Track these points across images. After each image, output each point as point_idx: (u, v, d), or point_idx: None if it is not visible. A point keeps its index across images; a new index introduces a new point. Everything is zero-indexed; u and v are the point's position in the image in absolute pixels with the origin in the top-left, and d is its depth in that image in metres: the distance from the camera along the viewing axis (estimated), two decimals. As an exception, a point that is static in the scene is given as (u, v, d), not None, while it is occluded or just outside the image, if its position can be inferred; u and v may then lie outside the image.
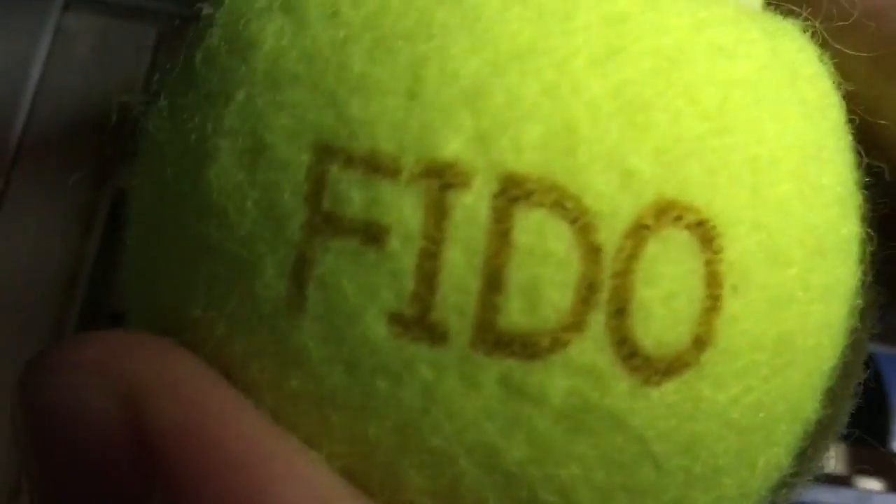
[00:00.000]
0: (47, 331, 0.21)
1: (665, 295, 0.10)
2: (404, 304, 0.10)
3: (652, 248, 0.10)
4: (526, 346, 0.10)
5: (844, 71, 0.12)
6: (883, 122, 0.12)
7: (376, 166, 0.10)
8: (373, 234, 0.10)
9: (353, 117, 0.10)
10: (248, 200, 0.10)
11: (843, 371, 0.12)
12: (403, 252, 0.10)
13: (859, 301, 0.12)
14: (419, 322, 0.10)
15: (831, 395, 0.12)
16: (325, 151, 0.10)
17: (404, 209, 0.10)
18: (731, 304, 0.10)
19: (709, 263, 0.10)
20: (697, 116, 0.10)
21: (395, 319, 0.10)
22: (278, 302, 0.10)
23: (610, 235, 0.10)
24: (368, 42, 0.10)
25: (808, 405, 0.12)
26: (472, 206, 0.10)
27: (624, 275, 0.10)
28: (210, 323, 0.11)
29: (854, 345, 0.12)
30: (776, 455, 0.12)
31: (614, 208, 0.10)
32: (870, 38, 0.12)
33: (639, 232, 0.10)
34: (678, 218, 0.10)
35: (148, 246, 0.12)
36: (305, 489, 0.10)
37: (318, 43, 0.11)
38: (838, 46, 0.12)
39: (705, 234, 0.10)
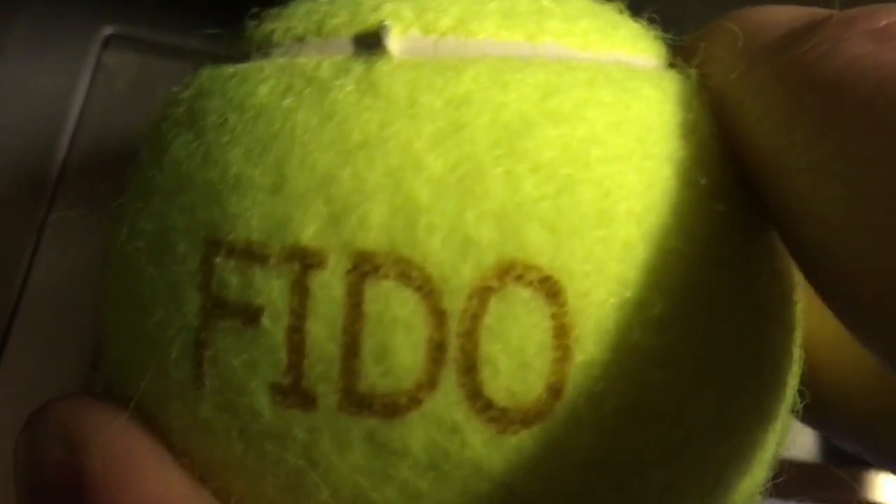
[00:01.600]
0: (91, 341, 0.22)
1: (512, 349, 0.11)
2: (280, 375, 0.11)
3: (495, 307, 0.11)
4: (385, 406, 0.11)
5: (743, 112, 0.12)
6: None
7: (250, 254, 0.11)
8: (250, 314, 0.11)
9: (232, 212, 0.11)
10: (159, 292, 0.12)
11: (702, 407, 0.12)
12: (274, 329, 0.11)
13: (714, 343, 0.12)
14: (293, 390, 0.11)
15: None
16: (212, 244, 0.11)
17: (273, 291, 0.11)
18: (580, 354, 0.11)
19: (555, 316, 0.11)
20: (535, 181, 0.11)
21: (275, 389, 0.11)
22: (185, 379, 0.11)
23: (453, 299, 0.11)
24: (245, 145, 0.12)
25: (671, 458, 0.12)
26: (328, 283, 0.11)
27: (470, 334, 0.11)
28: (143, 395, 0.12)
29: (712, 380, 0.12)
30: (646, 491, 0.12)
31: (455, 274, 0.11)
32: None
33: (482, 293, 0.11)
34: (520, 277, 0.11)
35: (109, 333, 0.13)
36: None
37: (209, 148, 0.12)
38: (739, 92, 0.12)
39: (549, 289, 0.11)
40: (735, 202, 0.12)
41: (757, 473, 0.13)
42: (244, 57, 0.13)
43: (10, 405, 0.21)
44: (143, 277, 0.12)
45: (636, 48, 0.13)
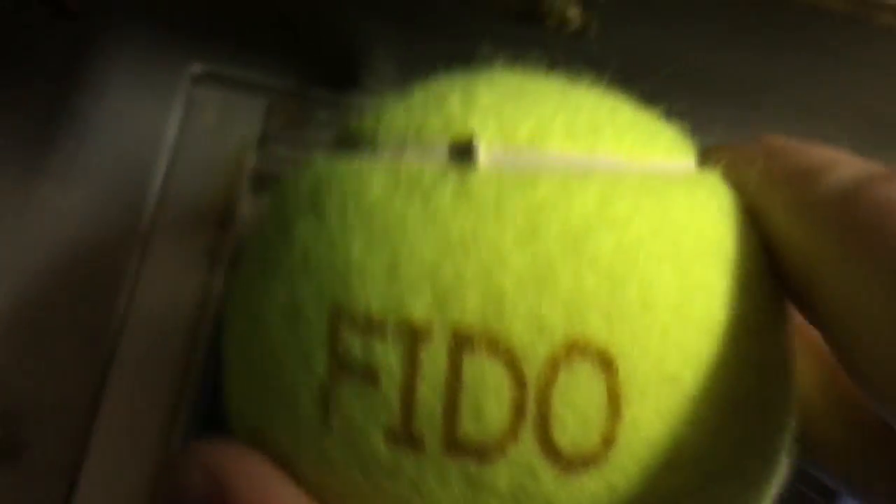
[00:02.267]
0: (181, 353, 0.24)
1: (576, 409, 0.13)
2: (395, 423, 0.13)
3: (563, 375, 0.13)
4: (478, 451, 0.13)
5: (774, 223, 0.15)
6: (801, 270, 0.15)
7: (370, 327, 0.13)
8: (370, 375, 0.13)
9: (354, 291, 0.14)
10: (290, 349, 0.14)
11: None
12: (389, 387, 0.13)
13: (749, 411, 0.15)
14: (405, 436, 0.13)
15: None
16: (337, 316, 0.14)
17: (389, 358, 0.13)
18: (629, 413, 0.13)
19: (609, 383, 0.13)
20: (595, 276, 0.13)
21: (389, 434, 0.13)
22: (313, 422, 0.14)
23: (531, 369, 0.13)
24: (363, 236, 0.14)
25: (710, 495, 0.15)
26: (434, 353, 0.13)
27: (544, 396, 0.13)
28: (276, 436, 0.14)
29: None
30: None
31: (533, 348, 0.13)
32: (798, 197, 0.15)
33: (553, 364, 0.13)
34: (582, 352, 0.13)
35: (237, 379, 0.16)
36: None
37: (331, 235, 0.14)
38: (768, 201, 0.15)
39: (604, 361, 0.13)
40: (755, 286, 0.15)
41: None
42: (353, 145, 0.16)
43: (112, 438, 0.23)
44: (275, 338, 0.14)
45: (673, 155, 0.16)
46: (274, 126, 0.27)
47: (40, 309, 0.24)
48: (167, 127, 0.26)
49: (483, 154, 0.14)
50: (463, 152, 0.14)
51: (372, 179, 0.14)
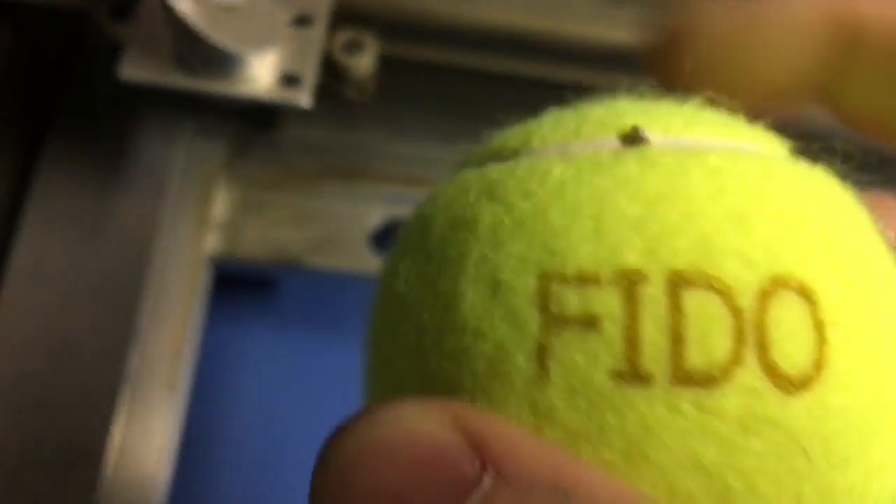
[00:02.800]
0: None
1: (789, 335, 0.14)
2: (620, 362, 0.14)
3: (774, 304, 0.14)
4: (706, 379, 0.14)
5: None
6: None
7: (584, 279, 0.14)
8: (589, 321, 0.14)
9: (562, 252, 0.14)
10: (495, 318, 0.15)
11: None
12: (613, 329, 0.14)
13: None
14: (632, 373, 0.14)
15: None
16: (545, 276, 0.14)
17: (608, 302, 0.14)
18: (834, 338, 0.14)
19: (813, 312, 0.14)
20: (780, 223, 0.15)
21: (615, 374, 0.14)
22: (529, 378, 0.14)
23: (746, 300, 0.14)
24: (559, 207, 0.15)
25: None
26: (653, 294, 0.14)
27: (760, 324, 0.14)
28: (484, 403, 0.15)
29: None
30: (888, 446, 0.15)
31: (745, 282, 0.14)
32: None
33: (764, 296, 0.14)
34: (785, 284, 0.14)
35: (410, 368, 0.16)
36: (611, 488, 0.13)
37: (522, 214, 0.15)
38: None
39: (806, 293, 0.14)
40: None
41: None
42: (502, 158, 0.17)
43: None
44: (475, 309, 0.15)
45: (774, 143, 0.18)
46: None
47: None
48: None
49: (652, 137, 0.16)
50: (633, 139, 0.16)
51: (550, 167, 0.15)
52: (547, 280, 0.14)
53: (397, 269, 0.16)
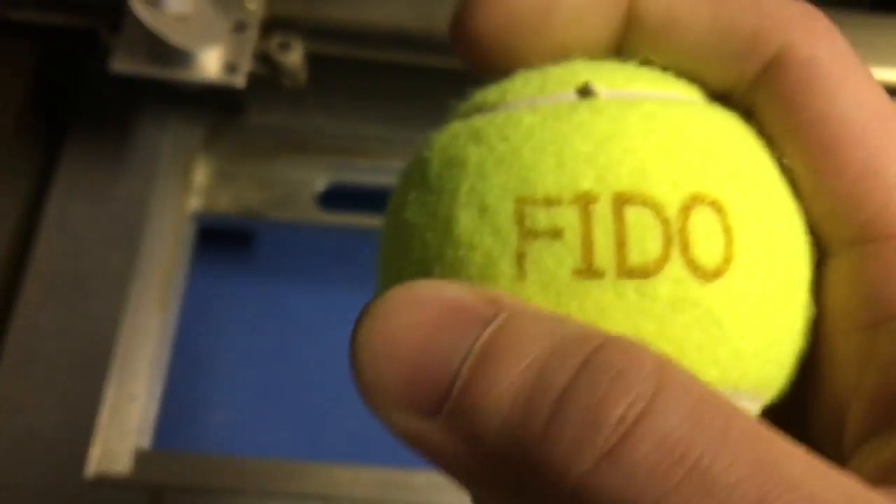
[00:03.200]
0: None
1: (705, 237, 0.18)
2: (579, 262, 0.17)
3: (693, 215, 0.18)
4: (643, 272, 0.17)
5: None
6: None
7: (550, 201, 0.17)
8: (555, 233, 0.17)
9: (533, 181, 0.18)
10: (484, 234, 0.18)
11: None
12: (572, 238, 0.17)
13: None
14: (588, 270, 0.17)
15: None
16: (521, 200, 0.18)
17: (569, 217, 0.17)
18: (738, 239, 0.18)
19: (722, 220, 0.18)
20: (700, 154, 0.18)
21: (576, 271, 0.17)
22: (511, 277, 0.18)
23: (671, 212, 0.17)
24: (530, 146, 0.18)
25: (800, 311, 0.19)
26: (602, 210, 0.17)
27: (682, 230, 0.17)
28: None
29: None
30: (782, 320, 0.19)
31: (671, 200, 0.17)
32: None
33: (685, 209, 0.18)
34: (702, 200, 0.18)
35: (411, 278, 0.18)
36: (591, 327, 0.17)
37: (501, 153, 0.18)
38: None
39: (717, 207, 0.18)
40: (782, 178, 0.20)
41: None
42: (485, 111, 0.20)
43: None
44: (467, 227, 0.18)
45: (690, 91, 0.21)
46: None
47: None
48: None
49: (600, 90, 0.19)
50: (584, 92, 0.19)
51: (521, 116, 0.19)
52: (522, 203, 0.18)
53: (404, 201, 0.19)
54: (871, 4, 0.67)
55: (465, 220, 0.18)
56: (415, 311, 0.16)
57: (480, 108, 0.20)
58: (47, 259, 0.52)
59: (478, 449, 0.15)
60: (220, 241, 0.59)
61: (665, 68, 0.21)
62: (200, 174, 0.57)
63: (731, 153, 0.19)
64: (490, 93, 0.20)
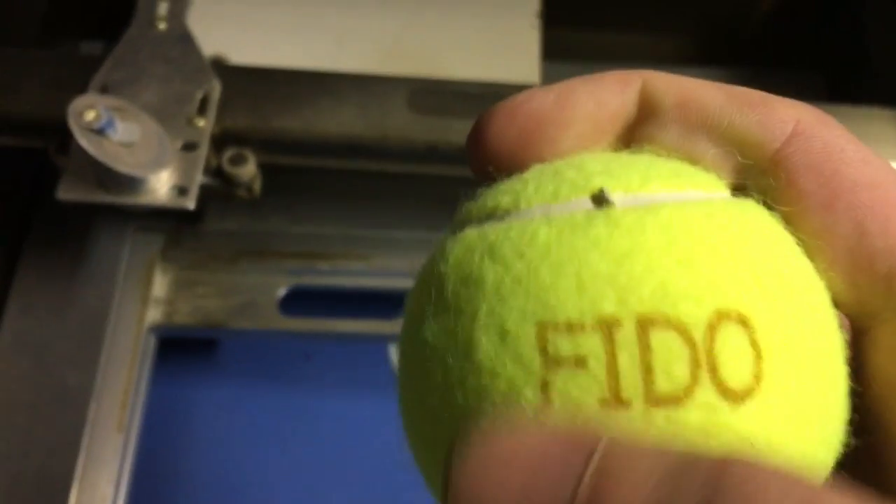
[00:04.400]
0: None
1: (732, 357, 0.17)
2: (605, 392, 0.17)
3: (719, 334, 0.17)
4: (672, 399, 0.17)
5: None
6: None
7: (571, 327, 0.17)
8: (579, 361, 0.17)
9: (552, 306, 0.17)
10: (506, 361, 0.17)
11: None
12: (597, 366, 0.17)
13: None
14: (615, 399, 0.17)
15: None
16: (542, 325, 0.17)
17: (592, 345, 0.17)
18: (767, 354, 0.17)
19: (750, 335, 0.17)
20: (724, 263, 0.18)
21: (602, 401, 0.17)
22: (537, 408, 0.17)
23: (698, 333, 0.17)
24: (548, 265, 0.18)
25: (839, 402, 0.19)
26: (626, 335, 0.17)
27: (710, 351, 0.17)
28: (504, 424, 0.17)
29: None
30: (820, 432, 0.18)
31: (697, 319, 0.17)
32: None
33: (711, 328, 0.17)
34: (728, 316, 0.17)
35: (438, 403, 0.18)
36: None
37: (518, 273, 0.18)
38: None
39: (745, 322, 0.17)
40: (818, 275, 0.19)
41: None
42: (496, 218, 0.19)
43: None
44: (489, 353, 0.17)
45: (721, 187, 0.20)
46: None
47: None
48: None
49: (615, 198, 0.18)
50: (599, 201, 0.18)
51: (536, 230, 0.18)
52: (544, 328, 0.17)
53: (421, 316, 0.19)
54: (828, 96, 0.68)
55: (486, 346, 0.18)
56: (512, 445, 0.16)
57: (493, 214, 0.20)
58: (3, 381, 0.51)
59: None
60: (183, 347, 0.58)
61: (678, 158, 0.20)
62: (160, 284, 0.56)
63: (755, 256, 0.18)
64: (502, 196, 0.20)
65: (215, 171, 0.49)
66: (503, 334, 0.17)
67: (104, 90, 0.48)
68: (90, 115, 0.42)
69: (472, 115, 0.21)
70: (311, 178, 0.55)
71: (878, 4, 0.65)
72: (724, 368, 0.17)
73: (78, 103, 0.43)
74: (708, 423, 0.17)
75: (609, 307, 0.17)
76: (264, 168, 0.51)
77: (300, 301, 0.57)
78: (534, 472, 0.16)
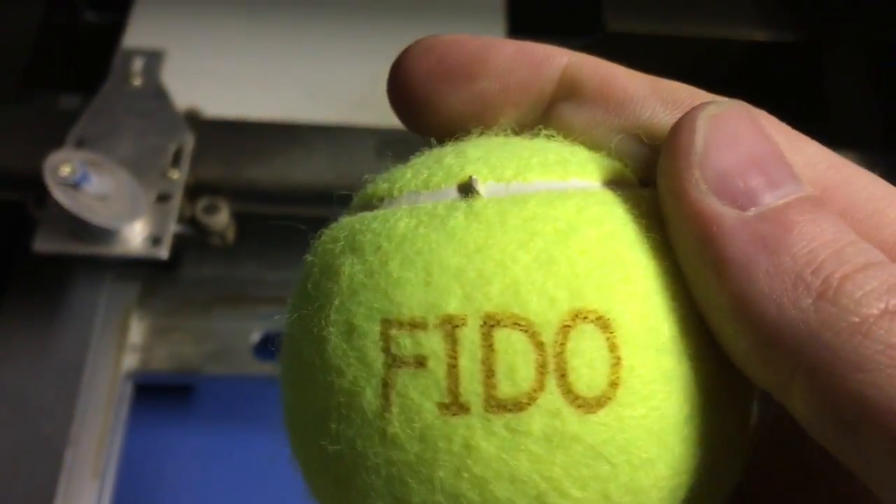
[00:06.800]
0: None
1: (587, 361, 0.16)
2: (444, 396, 0.16)
3: (573, 336, 0.16)
4: (514, 404, 0.16)
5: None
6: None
7: (415, 325, 0.16)
8: (420, 361, 0.16)
9: (398, 302, 0.17)
10: (350, 359, 0.17)
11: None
12: (437, 368, 0.16)
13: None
14: (454, 404, 0.16)
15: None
16: (386, 322, 0.17)
17: (433, 344, 0.16)
18: (627, 360, 0.16)
19: (609, 338, 0.16)
20: (585, 261, 0.17)
21: (441, 405, 0.16)
22: (376, 410, 0.16)
23: (548, 335, 0.16)
24: (398, 259, 0.17)
25: (697, 417, 0.17)
26: (469, 335, 0.16)
27: (560, 354, 0.16)
28: (340, 431, 0.17)
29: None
30: (687, 445, 0.17)
31: (547, 319, 0.16)
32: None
33: (564, 329, 0.16)
34: (585, 318, 0.16)
35: (297, 396, 0.18)
36: None
37: (371, 266, 0.17)
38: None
39: (603, 323, 0.16)
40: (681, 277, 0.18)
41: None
42: (371, 206, 0.19)
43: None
44: (335, 353, 0.17)
45: (615, 175, 0.19)
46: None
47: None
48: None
49: (482, 188, 0.17)
50: (466, 190, 0.18)
51: (397, 220, 0.17)
52: (388, 325, 0.16)
53: (289, 310, 0.19)
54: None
55: (335, 341, 0.17)
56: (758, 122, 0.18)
57: (368, 203, 0.19)
58: (-22, 431, 0.52)
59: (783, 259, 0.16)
60: (159, 393, 0.59)
61: (582, 143, 0.19)
62: (136, 331, 0.57)
63: (622, 254, 0.17)
64: (381, 183, 0.19)
65: (190, 221, 0.51)
66: (350, 330, 0.17)
67: (80, 144, 0.49)
68: (65, 170, 0.44)
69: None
70: (283, 226, 0.57)
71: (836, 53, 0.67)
72: (575, 374, 0.16)
73: (53, 158, 0.44)
74: (552, 431, 0.16)
75: (454, 304, 0.16)
76: (237, 216, 0.52)
77: (274, 346, 0.58)
78: (772, 145, 0.17)
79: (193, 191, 0.51)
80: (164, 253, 0.47)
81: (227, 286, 0.58)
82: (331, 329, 0.17)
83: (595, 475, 0.16)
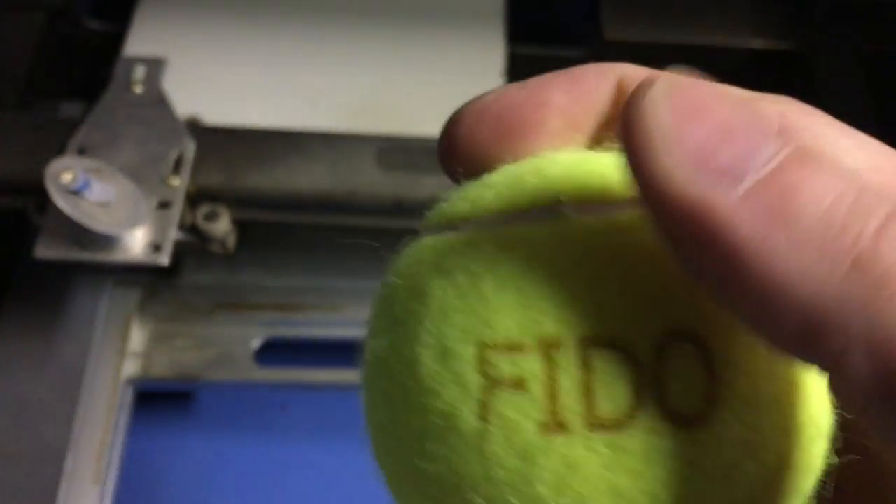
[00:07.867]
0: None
1: (683, 379, 0.16)
2: (544, 415, 0.16)
3: (669, 355, 0.16)
4: (614, 424, 0.16)
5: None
6: None
7: (512, 347, 0.16)
8: (518, 382, 0.16)
9: (493, 325, 0.17)
10: (445, 381, 0.17)
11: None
12: (536, 389, 0.16)
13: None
14: (554, 423, 0.16)
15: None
16: (482, 345, 0.17)
17: (531, 366, 0.16)
18: (724, 376, 0.16)
19: (704, 357, 0.16)
20: (677, 279, 0.16)
21: (541, 425, 0.16)
22: (474, 430, 0.17)
23: (644, 354, 0.16)
24: (491, 281, 0.17)
25: (808, 422, 0.17)
26: (567, 355, 0.16)
27: (656, 373, 0.16)
28: (439, 452, 0.17)
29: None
30: (779, 458, 0.17)
31: (644, 338, 0.16)
32: None
33: (660, 348, 0.16)
34: (680, 336, 0.16)
35: (388, 417, 0.18)
36: None
37: (463, 288, 0.17)
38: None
39: (698, 341, 0.16)
40: None
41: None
42: (453, 226, 0.19)
43: None
44: (430, 372, 0.17)
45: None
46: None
47: None
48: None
49: (567, 209, 0.18)
50: (552, 211, 0.18)
51: (486, 243, 0.17)
52: (483, 348, 0.16)
53: (374, 333, 0.19)
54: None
55: (428, 364, 0.17)
56: (715, 91, 0.15)
57: (450, 223, 0.19)
58: (-20, 436, 0.52)
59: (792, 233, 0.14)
60: (159, 399, 0.59)
61: None
62: (137, 337, 0.57)
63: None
64: (460, 203, 0.19)
65: (190, 228, 0.51)
66: (443, 353, 0.17)
67: (82, 152, 0.50)
68: (67, 177, 0.44)
69: (438, 171, 0.21)
70: (283, 233, 0.57)
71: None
72: (673, 391, 0.16)
73: (55, 165, 0.44)
74: (651, 448, 0.16)
75: (550, 326, 0.16)
76: (238, 224, 0.53)
77: (275, 352, 0.58)
78: (738, 110, 0.15)
79: (194, 198, 0.51)
80: (164, 260, 0.47)
81: (227, 293, 0.58)
82: (423, 351, 0.17)
83: (693, 490, 0.16)
